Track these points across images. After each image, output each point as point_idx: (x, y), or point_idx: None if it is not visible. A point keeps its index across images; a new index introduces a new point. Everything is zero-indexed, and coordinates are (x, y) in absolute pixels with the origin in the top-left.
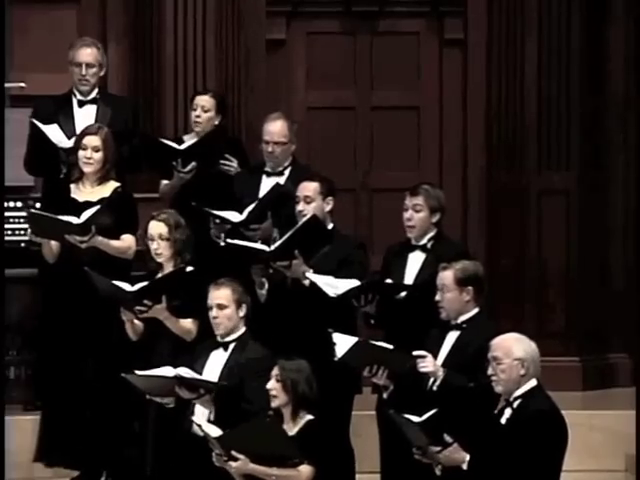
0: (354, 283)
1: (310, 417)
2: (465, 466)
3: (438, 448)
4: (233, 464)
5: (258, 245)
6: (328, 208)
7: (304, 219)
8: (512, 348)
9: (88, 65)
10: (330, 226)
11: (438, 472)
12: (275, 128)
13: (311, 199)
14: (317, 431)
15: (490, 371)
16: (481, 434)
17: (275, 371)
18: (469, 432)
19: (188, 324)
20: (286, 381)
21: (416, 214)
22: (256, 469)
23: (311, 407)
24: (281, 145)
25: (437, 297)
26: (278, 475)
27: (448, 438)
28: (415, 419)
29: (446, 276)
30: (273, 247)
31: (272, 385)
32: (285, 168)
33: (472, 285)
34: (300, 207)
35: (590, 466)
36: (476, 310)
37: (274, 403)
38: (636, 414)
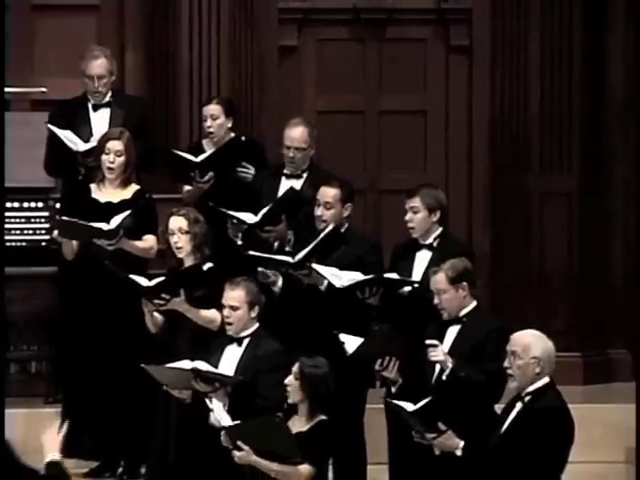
0: (358, 276)
1: (323, 417)
2: (459, 452)
3: (433, 435)
4: (237, 453)
5: (280, 257)
6: (346, 213)
7: (326, 230)
8: (531, 345)
9: (99, 77)
10: (345, 226)
11: (437, 452)
12: (296, 134)
13: (331, 205)
14: (327, 432)
15: (507, 364)
16: (477, 423)
17: (295, 368)
18: (464, 420)
19: (211, 314)
20: (305, 379)
21: (415, 215)
22: (258, 462)
23: (326, 406)
24: (301, 150)
25: (435, 300)
26: (278, 471)
27: (442, 426)
28: (409, 407)
29: (439, 279)
30: (297, 259)
31: (290, 381)
32: (304, 171)
33: (465, 280)
34: (319, 212)
35: (591, 458)
36: (474, 303)
37: (291, 399)
38: (636, 407)
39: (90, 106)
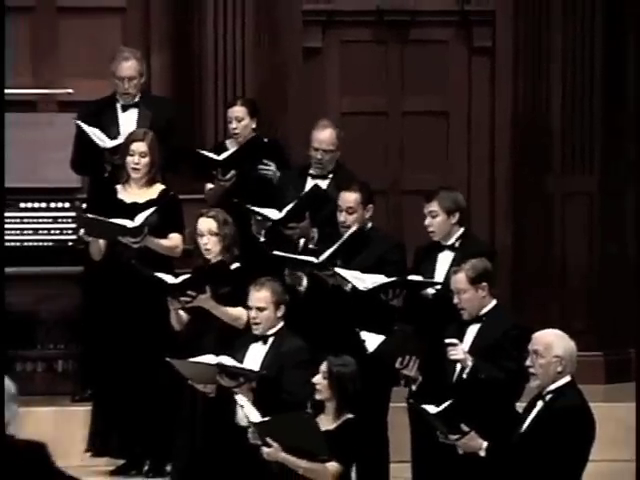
0: (381, 279)
1: (350, 416)
2: (483, 453)
3: (456, 436)
4: (266, 450)
5: (304, 257)
6: (369, 215)
7: (349, 231)
8: (553, 344)
9: (129, 78)
10: (369, 225)
11: (460, 451)
12: (324, 136)
13: (353, 210)
14: (354, 431)
15: (528, 362)
16: (500, 423)
17: (323, 367)
18: (487, 421)
19: (237, 311)
20: (334, 378)
21: (434, 220)
22: (286, 458)
23: (354, 405)
24: (329, 152)
25: (455, 300)
26: (306, 467)
27: (465, 427)
28: (432, 410)
29: (459, 279)
30: (321, 259)
31: (319, 380)
32: (330, 172)
33: (485, 280)
34: (342, 218)
35: (612, 456)
36: (494, 302)
37: (318, 396)
38: (636, 407)
39: (119, 106)
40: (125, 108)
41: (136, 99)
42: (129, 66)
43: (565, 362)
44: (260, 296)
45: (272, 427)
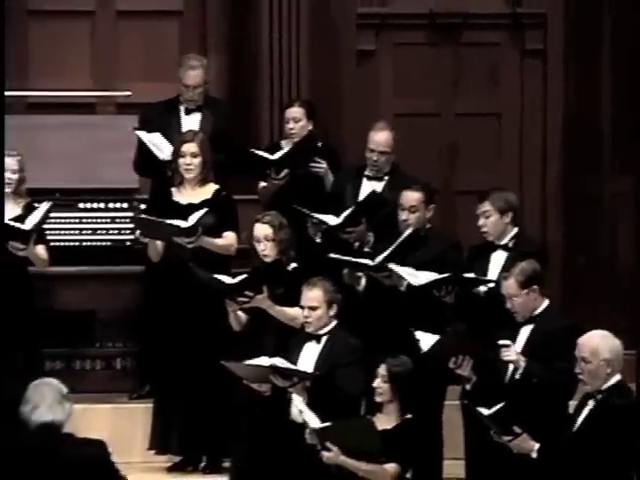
0: (434, 275)
1: (408, 416)
2: (534, 454)
3: (509, 438)
4: (326, 454)
5: (361, 260)
6: (429, 215)
7: (405, 233)
8: (599, 348)
9: (195, 87)
10: (428, 226)
11: (515, 451)
12: (381, 138)
13: (415, 209)
14: (411, 431)
15: (577, 370)
16: (552, 425)
17: (382, 371)
18: (539, 423)
19: (294, 311)
20: (393, 379)
21: (487, 220)
22: (346, 461)
23: (413, 404)
24: (385, 154)
25: (508, 305)
26: (365, 470)
27: (517, 429)
28: (485, 412)
29: (510, 285)
30: (377, 261)
31: (379, 384)
32: (385, 174)
33: (535, 283)
34: (404, 216)
35: None
36: (546, 302)
37: (379, 399)
38: None
39: (182, 109)
40: (188, 112)
41: (199, 102)
42: (196, 75)
43: (613, 363)
44: (312, 295)
45: (332, 432)
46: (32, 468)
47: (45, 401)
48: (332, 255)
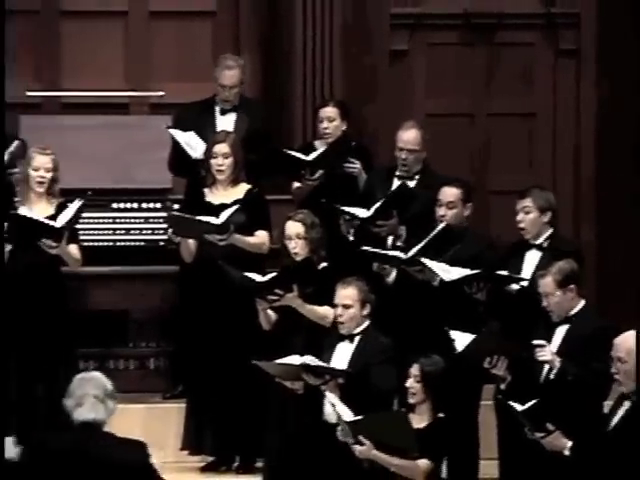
0: (466, 271)
1: (441, 415)
2: (567, 452)
3: (541, 434)
4: (358, 448)
5: (392, 252)
6: (467, 213)
7: (438, 228)
8: (634, 348)
9: (231, 87)
10: (465, 225)
11: (548, 448)
12: (409, 136)
13: (453, 205)
14: (444, 430)
15: (613, 369)
16: (586, 424)
17: (415, 371)
18: (573, 421)
19: (324, 310)
20: (426, 379)
21: (526, 216)
22: (378, 456)
23: (446, 403)
24: (414, 152)
25: (544, 303)
26: (397, 465)
27: (550, 426)
28: (519, 407)
29: (547, 283)
30: (410, 254)
31: (412, 384)
32: (416, 173)
33: (573, 282)
34: (442, 212)
35: None
36: (582, 303)
37: (412, 400)
38: None
39: (217, 110)
40: (224, 112)
41: (235, 103)
42: (232, 75)
43: None
44: (346, 293)
45: (365, 425)
46: (71, 468)
47: (88, 399)
48: (364, 247)
